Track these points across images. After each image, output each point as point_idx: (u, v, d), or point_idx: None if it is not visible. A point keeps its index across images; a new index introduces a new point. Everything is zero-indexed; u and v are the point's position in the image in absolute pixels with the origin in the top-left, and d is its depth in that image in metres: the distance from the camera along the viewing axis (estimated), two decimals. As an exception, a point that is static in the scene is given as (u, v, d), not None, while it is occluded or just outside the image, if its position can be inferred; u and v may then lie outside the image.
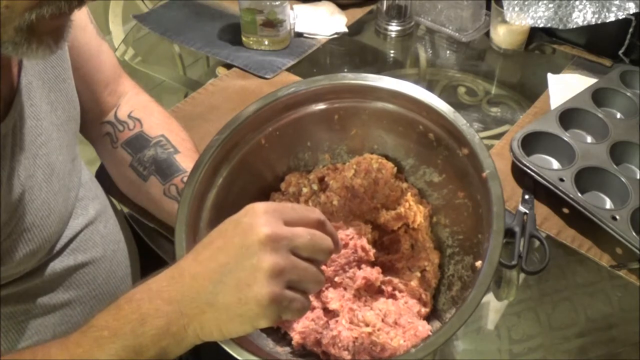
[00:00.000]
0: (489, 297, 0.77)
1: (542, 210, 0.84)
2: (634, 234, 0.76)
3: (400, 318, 0.63)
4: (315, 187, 0.73)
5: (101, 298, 0.76)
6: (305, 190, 0.73)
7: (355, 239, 0.66)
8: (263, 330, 0.64)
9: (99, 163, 0.87)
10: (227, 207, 0.67)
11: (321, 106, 0.72)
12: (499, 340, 0.72)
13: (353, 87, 0.71)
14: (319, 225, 0.51)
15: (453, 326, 0.53)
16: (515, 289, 0.78)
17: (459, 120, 0.65)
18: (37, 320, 0.70)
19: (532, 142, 0.88)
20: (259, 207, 0.50)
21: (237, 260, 0.48)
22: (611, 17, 1.01)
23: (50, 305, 0.70)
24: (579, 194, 0.80)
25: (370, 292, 0.66)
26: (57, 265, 0.70)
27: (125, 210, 0.86)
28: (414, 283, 0.66)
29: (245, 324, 0.49)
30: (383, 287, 0.66)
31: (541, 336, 0.72)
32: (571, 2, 1.04)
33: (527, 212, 0.82)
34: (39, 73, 0.65)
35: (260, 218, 0.49)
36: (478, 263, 0.57)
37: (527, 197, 0.84)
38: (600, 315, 0.74)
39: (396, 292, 0.66)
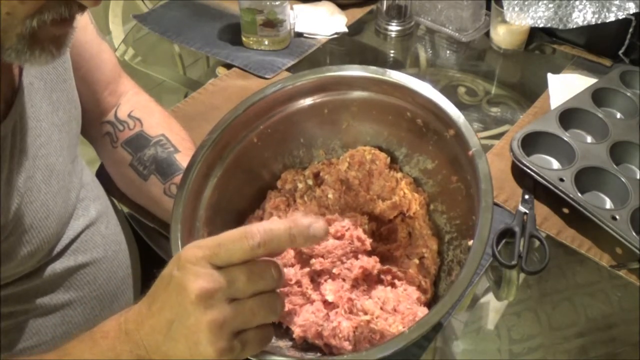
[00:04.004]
0: (489, 297, 0.77)
1: (542, 210, 0.84)
2: (634, 234, 0.76)
3: (399, 305, 0.63)
4: (310, 182, 0.74)
5: (102, 299, 0.76)
6: (300, 186, 0.74)
7: (351, 230, 0.66)
8: None
9: (99, 163, 0.87)
10: (223, 206, 0.68)
11: (310, 101, 0.72)
12: (499, 340, 0.72)
13: (338, 79, 0.71)
14: (256, 250, 0.47)
15: (445, 304, 0.53)
16: (515, 289, 0.78)
17: (441, 100, 0.65)
18: (37, 320, 0.70)
19: (532, 142, 0.88)
20: (185, 257, 0.47)
21: (178, 319, 0.47)
22: (611, 17, 1.01)
23: (50, 306, 0.70)
24: (579, 194, 0.80)
25: (368, 281, 0.66)
26: (57, 266, 0.70)
27: (125, 210, 0.86)
28: (412, 270, 0.66)
29: None
30: (382, 276, 0.66)
31: (541, 336, 0.72)
32: (571, 2, 1.04)
33: (527, 212, 0.82)
34: (41, 74, 0.65)
35: (188, 273, 0.46)
36: (470, 242, 0.58)
37: (527, 197, 0.84)
38: (600, 315, 0.74)
39: (395, 281, 0.66)
